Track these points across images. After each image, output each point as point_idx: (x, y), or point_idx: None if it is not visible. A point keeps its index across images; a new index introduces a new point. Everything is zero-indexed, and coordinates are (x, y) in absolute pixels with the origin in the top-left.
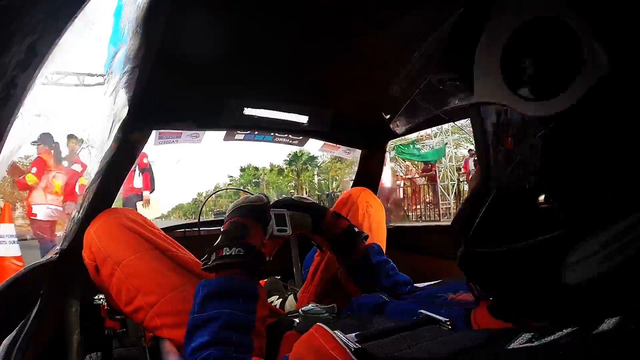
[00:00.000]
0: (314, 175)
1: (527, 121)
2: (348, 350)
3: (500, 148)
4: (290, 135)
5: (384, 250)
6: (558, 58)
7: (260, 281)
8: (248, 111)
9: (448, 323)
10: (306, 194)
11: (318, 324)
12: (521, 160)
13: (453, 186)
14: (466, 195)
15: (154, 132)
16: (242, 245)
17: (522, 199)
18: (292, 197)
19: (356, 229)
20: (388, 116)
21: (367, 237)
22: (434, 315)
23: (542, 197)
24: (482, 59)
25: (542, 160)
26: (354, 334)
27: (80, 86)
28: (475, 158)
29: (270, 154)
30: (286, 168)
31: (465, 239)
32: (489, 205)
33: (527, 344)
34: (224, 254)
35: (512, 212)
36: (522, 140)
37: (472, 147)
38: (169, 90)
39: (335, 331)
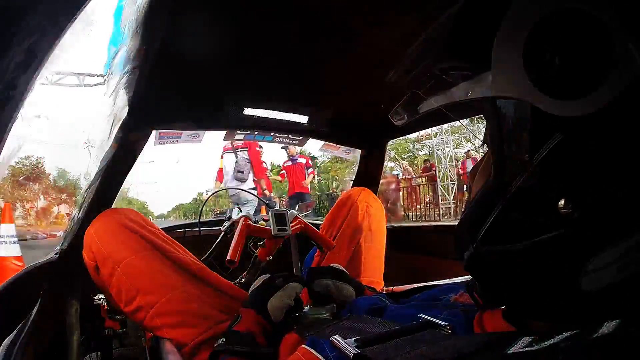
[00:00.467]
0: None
1: (551, 120)
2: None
3: (519, 146)
4: (290, 135)
5: (384, 250)
6: (588, 54)
7: None
8: (248, 111)
9: (448, 327)
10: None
11: (303, 345)
12: (542, 161)
13: (453, 186)
14: (474, 194)
15: (154, 132)
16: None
17: (539, 201)
18: (333, 266)
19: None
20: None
21: None
22: (433, 319)
23: (562, 202)
24: (502, 50)
25: (565, 163)
26: (353, 339)
27: (81, 86)
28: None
29: (271, 154)
30: None
31: (475, 240)
32: (505, 205)
33: (526, 348)
34: None
35: (528, 214)
36: (544, 140)
37: (469, 147)
38: (169, 90)
39: (335, 336)
